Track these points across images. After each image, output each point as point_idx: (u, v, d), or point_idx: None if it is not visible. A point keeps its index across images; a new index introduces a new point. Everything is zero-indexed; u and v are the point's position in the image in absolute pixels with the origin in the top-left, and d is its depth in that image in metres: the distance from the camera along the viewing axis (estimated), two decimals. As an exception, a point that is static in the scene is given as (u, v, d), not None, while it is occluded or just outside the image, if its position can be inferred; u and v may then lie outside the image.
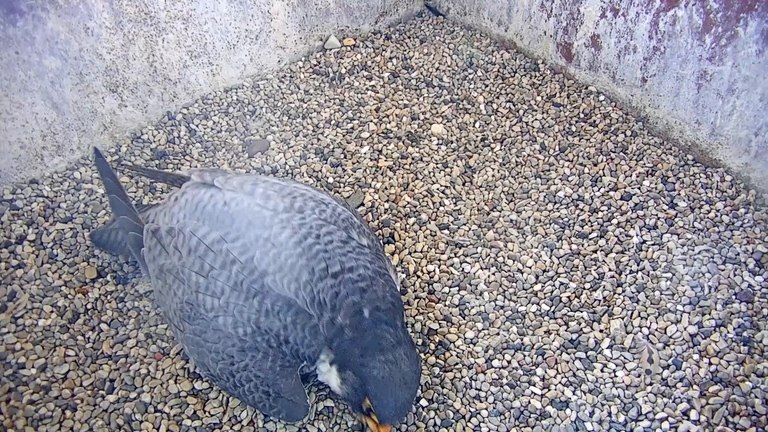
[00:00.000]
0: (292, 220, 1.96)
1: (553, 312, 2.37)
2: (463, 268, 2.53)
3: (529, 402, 2.13)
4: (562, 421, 2.07)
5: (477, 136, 3.06)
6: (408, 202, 2.78)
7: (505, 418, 2.10)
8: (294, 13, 3.35)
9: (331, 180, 2.87)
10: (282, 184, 2.12)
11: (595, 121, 3.09)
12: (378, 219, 2.71)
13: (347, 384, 1.88)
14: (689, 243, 2.51)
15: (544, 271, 2.50)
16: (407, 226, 2.69)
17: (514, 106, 3.21)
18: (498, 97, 3.26)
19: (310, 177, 2.87)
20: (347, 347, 1.84)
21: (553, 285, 2.45)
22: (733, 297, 2.33)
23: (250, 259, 1.88)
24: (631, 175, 2.80)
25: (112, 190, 2.18)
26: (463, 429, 2.08)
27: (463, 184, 2.86)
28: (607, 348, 2.24)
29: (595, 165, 2.88)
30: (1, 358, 2.23)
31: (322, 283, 1.86)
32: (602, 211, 2.68)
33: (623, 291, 2.40)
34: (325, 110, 3.21)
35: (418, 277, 2.51)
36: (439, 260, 2.56)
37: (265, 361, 1.88)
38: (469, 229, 2.67)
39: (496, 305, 2.40)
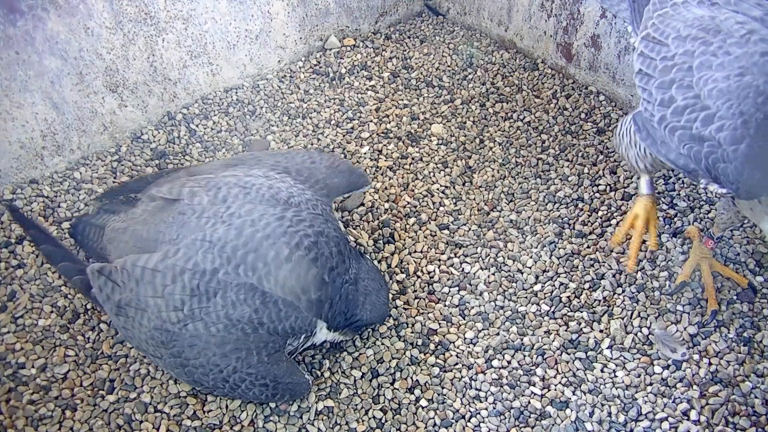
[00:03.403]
0: (220, 213, 2.00)
1: (553, 312, 2.37)
2: (463, 268, 2.53)
3: (529, 402, 2.13)
4: (562, 421, 2.07)
5: (477, 136, 3.06)
6: (408, 202, 2.78)
7: (505, 418, 2.10)
8: (294, 13, 3.35)
9: (331, 180, 2.87)
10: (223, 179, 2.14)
11: (595, 121, 3.09)
12: (378, 219, 2.71)
13: (347, 333, 2.16)
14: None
15: (544, 271, 2.50)
16: (407, 226, 2.69)
17: (514, 106, 3.21)
18: (498, 97, 3.26)
19: (310, 177, 2.88)
20: (332, 314, 2.02)
21: (553, 285, 2.45)
22: (735, 297, 2.33)
23: (196, 263, 1.90)
24: (631, 176, 2.80)
25: (41, 241, 2.19)
26: (463, 429, 2.08)
27: (463, 184, 2.86)
28: (607, 348, 2.24)
29: (595, 165, 2.88)
30: (1, 358, 2.23)
31: (282, 270, 1.92)
32: (602, 211, 2.68)
33: (623, 291, 2.40)
34: (325, 110, 3.21)
35: (418, 277, 2.51)
36: (439, 260, 2.56)
37: (251, 357, 1.91)
38: (469, 229, 2.67)
39: (496, 305, 2.40)
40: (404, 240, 2.64)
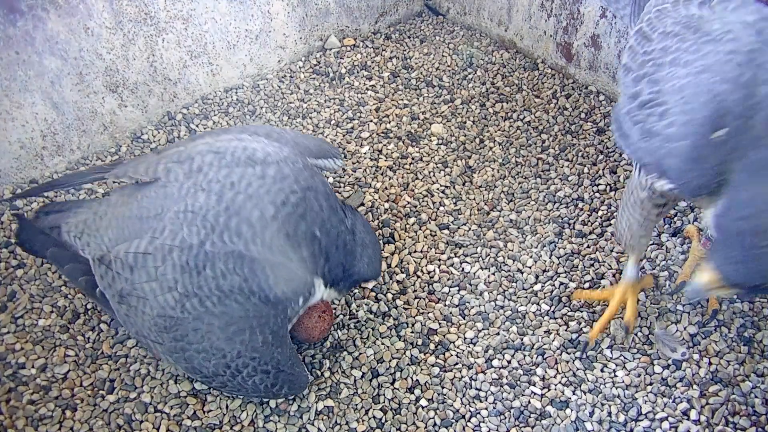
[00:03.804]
0: (198, 182, 1.94)
1: (553, 312, 2.37)
2: (463, 268, 2.53)
3: (529, 402, 2.13)
4: (562, 421, 2.07)
5: (477, 136, 3.06)
6: (408, 202, 2.78)
7: (505, 418, 2.10)
8: (294, 13, 3.35)
9: (330, 180, 2.87)
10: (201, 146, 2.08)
11: (595, 121, 3.09)
12: (378, 219, 2.71)
13: (344, 289, 2.11)
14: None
15: (544, 270, 2.50)
16: (407, 226, 2.69)
17: (514, 106, 3.21)
18: (498, 97, 3.26)
19: (310, 177, 2.88)
20: (329, 267, 1.98)
21: (553, 285, 2.45)
22: (735, 296, 2.33)
23: (183, 239, 1.86)
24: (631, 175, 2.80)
25: (48, 245, 2.15)
26: (463, 429, 2.08)
27: (463, 184, 2.86)
28: (607, 348, 2.24)
29: (595, 165, 2.88)
30: (1, 358, 2.23)
31: (268, 231, 1.87)
32: (602, 211, 2.68)
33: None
34: (325, 110, 3.21)
35: (418, 277, 2.51)
36: (439, 260, 2.56)
37: (255, 338, 1.87)
38: (469, 229, 2.67)
39: (496, 305, 2.40)
40: (404, 240, 2.64)
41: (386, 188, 2.84)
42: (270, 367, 1.90)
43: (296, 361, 1.98)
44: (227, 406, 2.13)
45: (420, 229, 2.68)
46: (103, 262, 1.99)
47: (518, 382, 2.18)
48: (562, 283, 2.45)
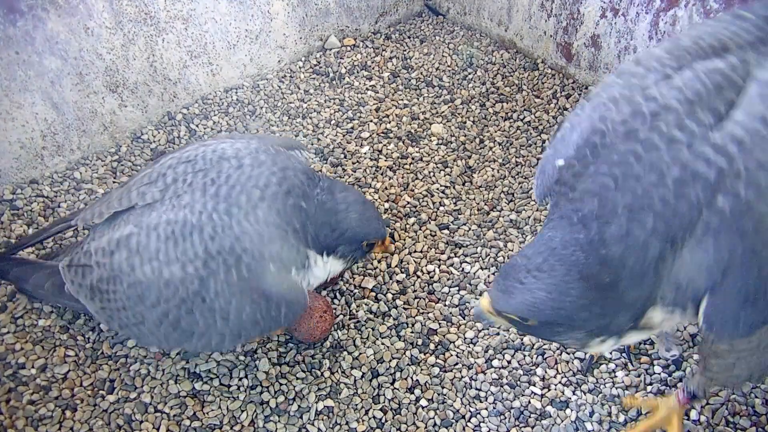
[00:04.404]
0: (177, 189, 1.92)
1: (553, 312, 2.36)
2: (463, 268, 2.53)
3: (529, 402, 2.13)
4: (562, 421, 2.07)
5: (477, 136, 3.06)
6: (408, 202, 2.78)
7: (505, 418, 2.10)
8: (294, 13, 3.35)
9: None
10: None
11: (595, 121, 3.08)
12: (378, 219, 2.71)
13: (345, 255, 2.04)
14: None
15: (544, 271, 2.50)
16: (407, 226, 2.69)
17: (514, 106, 3.21)
18: (498, 97, 3.26)
19: (310, 177, 2.88)
20: (314, 231, 1.95)
21: (553, 285, 2.45)
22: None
23: (169, 219, 1.84)
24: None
25: (12, 266, 2.19)
26: (463, 429, 2.08)
27: (463, 184, 2.86)
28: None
29: (595, 165, 2.87)
30: (1, 358, 2.23)
31: (260, 209, 1.85)
32: (602, 211, 2.68)
33: (623, 291, 2.40)
34: (325, 110, 3.21)
35: (418, 277, 2.51)
36: (439, 260, 2.56)
37: (230, 276, 1.81)
38: (469, 229, 2.67)
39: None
40: (404, 240, 2.64)
41: (386, 188, 2.84)
42: (256, 296, 1.84)
43: (286, 279, 1.92)
44: (227, 407, 2.13)
45: (420, 229, 2.68)
46: (72, 264, 2.00)
47: (518, 382, 2.18)
48: (562, 283, 2.44)
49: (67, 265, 2.03)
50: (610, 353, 2.23)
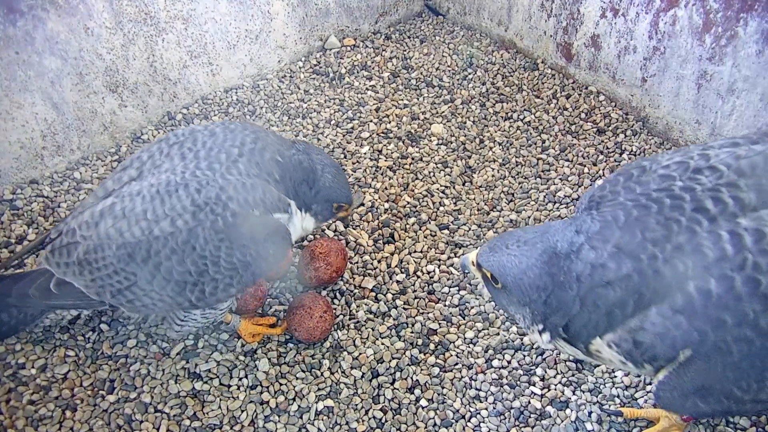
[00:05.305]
0: (155, 164, 2.00)
1: (553, 312, 2.36)
2: (463, 268, 2.53)
3: (529, 402, 2.13)
4: (562, 421, 2.07)
5: (477, 136, 3.06)
6: (408, 202, 2.78)
7: (505, 418, 2.10)
8: (294, 13, 3.35)
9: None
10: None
11: (595, 121, 3.09)
12: (378, 219, 2.71)
13: (317, 214, 2.18)
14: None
15: (544, 271, 2.50)
16: (407, 226, 2.69)
17: (514, 106, 3.21)
18: (498, 97, 3.26)
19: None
20: (293, 186, 2.08)
21: (553, 285, 2.45)
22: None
23: (152, 183, 1.91)
24: (631, 175, 2.80)
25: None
26: (463, 429, 2.08)
27: (463, 184, 2.86)
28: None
29: (595, 165, 2.88)
30: (1, 358, 2.23)
31: (240, 163, 1.95)
32: (602, 211, 2.68)
33: (623, 291, 2.40)
34: (325, 110, 3.21)
35: (418, 277, 2.51)
36: (439, 260, 2.56)
37: (216, 224, 1.86)
38: (469, 229, 2.67)
39: (495, 305, 2.40)
40: (404, 240, 2.64)
41: (386, 188, 2.84)
42: (245, 240, 1.89)
43: (269, 221, 1.98)
44: (227, 407, 2.13)
45: (420, 229, 2.68)
46: (54, 248, 2.00)
47: (518, 382, 2.18)
48: (562, 283, 2.45)
49: (50, 251, 2.01)
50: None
